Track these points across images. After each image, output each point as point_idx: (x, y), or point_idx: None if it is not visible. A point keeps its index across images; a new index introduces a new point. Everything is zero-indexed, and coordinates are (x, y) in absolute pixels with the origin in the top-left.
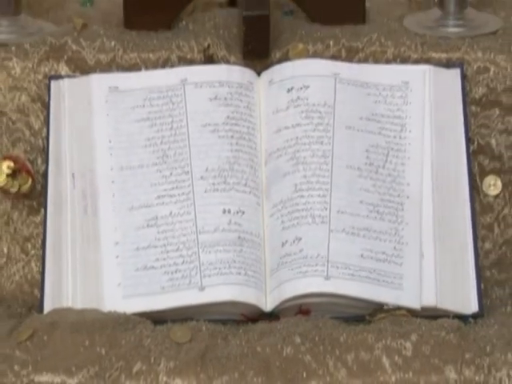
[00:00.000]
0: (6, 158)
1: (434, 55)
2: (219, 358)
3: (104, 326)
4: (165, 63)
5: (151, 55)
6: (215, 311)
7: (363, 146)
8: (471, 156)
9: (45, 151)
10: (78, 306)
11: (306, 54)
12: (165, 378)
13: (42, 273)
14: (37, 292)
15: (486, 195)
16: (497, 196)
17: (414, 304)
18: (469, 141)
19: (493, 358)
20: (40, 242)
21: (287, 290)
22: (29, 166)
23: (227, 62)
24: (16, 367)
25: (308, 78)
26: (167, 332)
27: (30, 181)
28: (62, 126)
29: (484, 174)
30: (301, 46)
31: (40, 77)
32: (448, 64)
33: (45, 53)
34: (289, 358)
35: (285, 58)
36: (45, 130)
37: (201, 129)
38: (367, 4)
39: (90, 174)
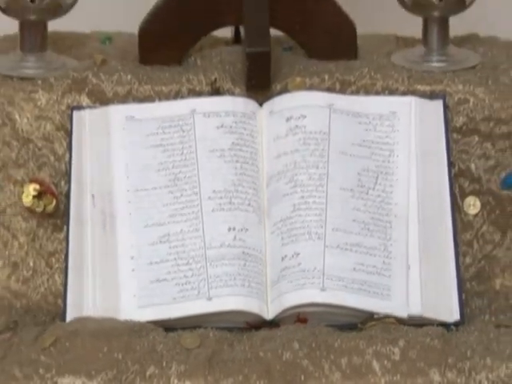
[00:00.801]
0: (32, 181)
1: (419, 87)
2: (225, 362)
3: (121, 334)
4: (176, 95)
5: (164, 88)
6: (221, 319)
7: (355, 169)
8: (453, 179)
9: (67, 174)
10: (97, 315)
11: (303, 87)
12: (176, 381)
13: (65, 285)
14: (60, 302)
15: (466, 214)
16: (476, 215)
17: (402, 313)
18: (451, 165)
19: (473, 362)
20: (63, 256)
21: (287, 300)
22: (53, 188)
23: (232, 93)
24: (41, 370)
25: (305, 108)
26: (178, 338)
27: (54, 201)
28: (83, 151)
29: (464, 194)
30: (299, 79)
31: (63, 107)
32: (432, 95)
33: (68, 86)
34: (288, 362)
35: (284, 90)
36: (67, 155)
37: (208, 154)
38: (358, 41)
39: (108, 195)
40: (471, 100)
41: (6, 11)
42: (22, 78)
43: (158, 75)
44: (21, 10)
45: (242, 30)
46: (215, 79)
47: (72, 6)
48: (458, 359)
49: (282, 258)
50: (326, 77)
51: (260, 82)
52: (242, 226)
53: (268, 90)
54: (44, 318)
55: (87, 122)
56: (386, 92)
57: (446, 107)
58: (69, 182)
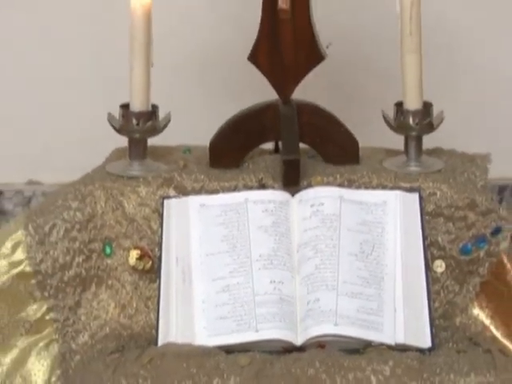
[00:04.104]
0: (135, 247)
1: (402, 184)
2: (268, 376)
3: (195, 355)
4: (235, 188)
5: (226, 183)
6: (265, 345)
7: (358, 241)
8: (426, 247)
9: (159, 244)
10: (179, 341)
11: (322, 183)
12: None
13: (157, 320)
14: (153, 332)
15: (435, 272)
16: (442, 273)
17: (391, 341)
18: (425, 238)
19: (441, 377)
20: (156, 300)
21: (311, 332)
22: (150, 253)
23: (273, 187)
24: (140, 381)
25: (323, 198)
26: (235, 359)
27: (150, 262)
28: (170, 228)
29: (434, 258)
30: (319, 178)
31: (157, 197)
32: (411, 190)
33: (160, 182)
34: (311, 376)
35: (309, 186)
36: (160, 230)
37: (257, 229)
38: (360, 152)
39: (187, 258)
40: (438, 193)
41: (119, 131)
42: (130, 177)
43: (223, 175)
44: (129, 131)
45: (280, 144)
46: (261, 178)
47: (163, 128)
48: (430, 375)
49: (308, 303)
50: (338, 176)
51: (292, 180)
52: (280, 279)
53: (298, 186)
54: (142, 343)
55: (173, 207)
56: (380, 187)
57: (421, 198)
58: (160, 249)
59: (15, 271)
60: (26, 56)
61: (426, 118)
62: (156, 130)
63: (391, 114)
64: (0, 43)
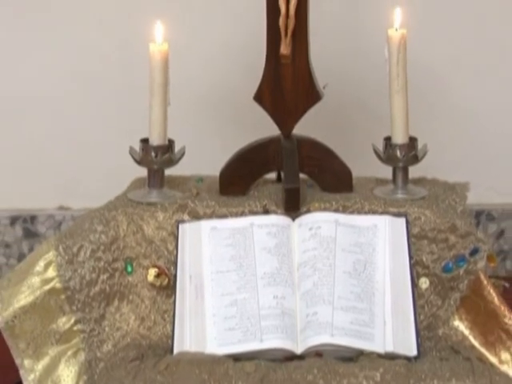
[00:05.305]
0: (154, 266)
1: (391, 210)
2: (271, 382)
3: (207, 362)
4: (241, 214)
5: (234, 209)
6: (269, 354)
7: (352, 260)
8: (412, 266)
9: (175, 263)
10: (192, 350)
11: (319, 209)
12: None
13: (172, 331)
14: (169, 342)
15: (420, 288)
16: (426, 289)
17: (381, 350)
18: (411, 258)
19: (426, 382)
20: (172, 313)
21: (310, 342)
22: (166, 271)
23: (276, 213)
24: None
25: (320, 222)
26: (242, 366)
27: (166, 279)
28: (184, 248)
29: (419, 276)
30: (316, 204)
31: (173, 222)
32: (398, 215)
33: (176, 208)
34: (310, 382)
35: (308, 211)
36: (175, 251)
37: (261, 250)
38: (353, 181)
39: (199, 276)
40: (422, 218)
41: (140, 163)
42: (149, 204)
43: (231, 201)
44: (148, 162)
45: (282, 174)
46: (265, 204)
47: (179, 160)
48: (416, 381)
49: (307, 315)
50: (334, 203)
51: (293, 206)
52: (282, 295)
53: (298, 211)
54: (159, 352)
55: (187, 230)
56: (371, 212)
57: (407, 222)
58: (175, 267)
59: (47, 287)
60: (58, 96)
61: (412, 151)
62: (172, 162)
63: (381, 147)
64: (34, 85)
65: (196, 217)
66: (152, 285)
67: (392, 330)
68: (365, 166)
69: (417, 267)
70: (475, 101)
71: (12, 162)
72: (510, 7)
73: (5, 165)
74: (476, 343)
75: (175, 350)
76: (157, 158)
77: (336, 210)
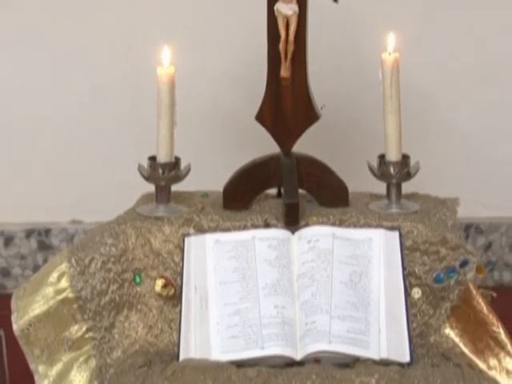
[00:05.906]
0: (160, 277)
1: (385, 223)
2: None
3: (211, 368)
4: (244, 227)
5: (237, 223)
6: (270, 360)
7: (348, 271)
8: (405, 277)
9: (181, 274)
10: (198, 357)
11: (317, 223)
12: None
13: (178, 339)
14: (176, 349)
15: (413, 298)
16: (418, 299)
17: (376, 357)
18: (404, 269)
19: None
20: (178, 322)
21: (308, 349)
22: (173, 281)
23: (276, 226)
24: None
25: (319, 235)
26: (244, 371)
27: (173, 290)
28: (190, 260)
29: (412, 286)
30: (315, 218)
31: (179, 235)
32: (392, 228)
33: (182, 222)
34: None
35: (307, 225)
36: (181, 263)
37: (262, 262)
38: (349, 197)
39: (204, 287)
40: (415, 231)
41: (147, 179)
42: (156, 218)
43: (234, 216)
44: (156, 179)
45: (282, 189)
46: (266, 218)
47: (185, 176)
48: None
49: (306, 324)
50: (331, 217)
51: (292, 220)
52: (282, 305)
53: (297, 225)
54: (166, 358)
55: (193, 243)
56: (366, 226)
57: (400, 235)
58: (181, 278)
59: (60, 297)
60: (72, 115)
61: (405, 168)
62: (178, 178)
63: (375, 164)
64: (49, 104)
65: (201, 230)
66: (159, 295)
67: (386, 338)
68: (360, 182)
69: (410, 278)
70: (464, 121)
71: (27, 179)
72: (498, 31)
73: (21, 181)
74: (466, 350)
75: (181, 357)
76: (164, 174)
77: (333, 224)
